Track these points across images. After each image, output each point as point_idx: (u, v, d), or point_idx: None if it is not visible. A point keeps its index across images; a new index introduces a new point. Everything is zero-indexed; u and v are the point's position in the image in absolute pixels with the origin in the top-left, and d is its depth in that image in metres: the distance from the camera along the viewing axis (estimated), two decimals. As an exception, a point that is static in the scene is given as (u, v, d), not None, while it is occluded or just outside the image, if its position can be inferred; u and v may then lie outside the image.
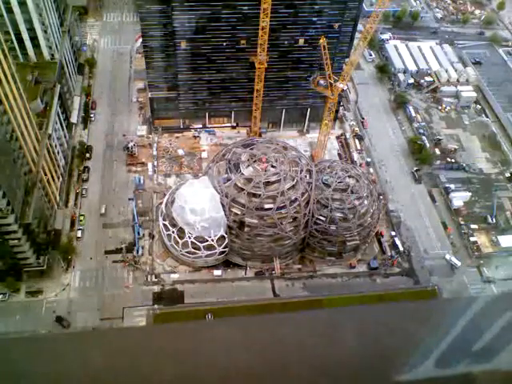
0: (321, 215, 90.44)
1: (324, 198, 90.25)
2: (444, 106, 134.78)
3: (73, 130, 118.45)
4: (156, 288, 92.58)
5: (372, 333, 8.21)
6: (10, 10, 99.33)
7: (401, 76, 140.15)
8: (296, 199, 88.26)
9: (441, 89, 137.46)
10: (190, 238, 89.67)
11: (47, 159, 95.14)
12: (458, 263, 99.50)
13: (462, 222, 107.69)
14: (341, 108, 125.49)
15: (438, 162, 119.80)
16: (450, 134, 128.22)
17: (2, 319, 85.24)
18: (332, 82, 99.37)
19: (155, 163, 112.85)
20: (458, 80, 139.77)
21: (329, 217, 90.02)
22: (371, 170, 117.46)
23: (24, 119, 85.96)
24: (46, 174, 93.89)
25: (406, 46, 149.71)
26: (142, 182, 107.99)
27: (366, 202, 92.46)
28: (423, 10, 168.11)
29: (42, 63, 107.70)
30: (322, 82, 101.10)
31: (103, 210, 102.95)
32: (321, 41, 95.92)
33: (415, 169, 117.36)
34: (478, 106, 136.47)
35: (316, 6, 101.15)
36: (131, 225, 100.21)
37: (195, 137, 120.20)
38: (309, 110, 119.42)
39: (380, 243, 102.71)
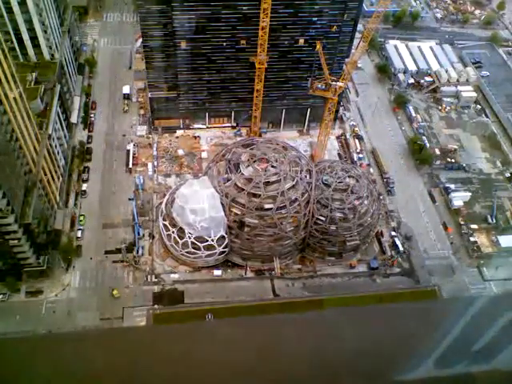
0: (321, 215, 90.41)
1: (324, 198, 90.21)
2: (444, 105, 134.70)
3: (73, 130, 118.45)
4: (156, 288, 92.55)
5: (372, 333, 8.21)
6: (9, 10, 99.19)
7: (401, 76, 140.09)
8: (296, 199, 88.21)
9: (441, 89, 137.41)
10: (190, 238, 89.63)
11: (47, 159, 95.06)
12: None
13: (462, 222, 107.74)
14: (341, 108, 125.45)
15: (438, 162, 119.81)
16: (449, 134, 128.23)
17: (2, 319, 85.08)
18: (330, 82, 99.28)
19: (155, 163, 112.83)
20: (457, 80, 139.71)
21: (329, 217, 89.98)
22: (371, 170, 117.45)
23: (24, 119, 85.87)
24: (45, 174, 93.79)
25: (406, 46, 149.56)
26: (142, 181, 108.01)
27: (366, 202, 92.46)
28: (423, 10, 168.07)
29: (42, 63, 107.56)
30: (319, 85, 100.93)
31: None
32: (317, 47, 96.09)
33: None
34: (478, 106, 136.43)
35: (316, 6, 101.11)
36: (131, 225, 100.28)
37: (195, 137, 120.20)
38: (309, 110, 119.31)
39: (380, 243, 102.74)
